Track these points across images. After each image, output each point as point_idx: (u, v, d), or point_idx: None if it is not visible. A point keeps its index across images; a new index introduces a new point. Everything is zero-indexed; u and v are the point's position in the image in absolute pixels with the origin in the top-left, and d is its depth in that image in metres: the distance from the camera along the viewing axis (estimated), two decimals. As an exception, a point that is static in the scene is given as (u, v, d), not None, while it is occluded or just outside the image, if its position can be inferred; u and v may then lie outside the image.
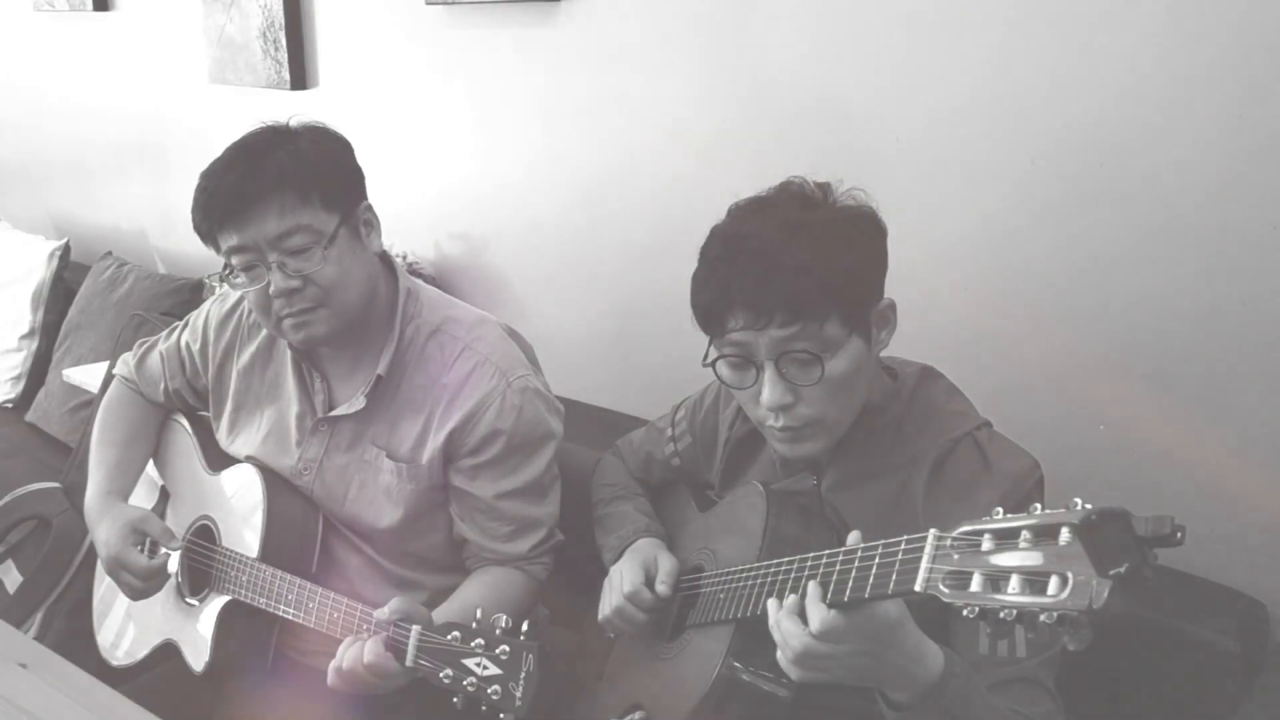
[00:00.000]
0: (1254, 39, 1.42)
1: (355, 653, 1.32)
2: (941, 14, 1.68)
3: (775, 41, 1.88)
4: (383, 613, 1.31)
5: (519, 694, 1.18)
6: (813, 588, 1.05)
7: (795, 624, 1.05)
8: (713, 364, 1.23)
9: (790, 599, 1.08)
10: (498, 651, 1.20)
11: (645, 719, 1.33)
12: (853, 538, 1.07)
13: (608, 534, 1.53)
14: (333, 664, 1.34)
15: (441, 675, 1.22)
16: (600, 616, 1.41)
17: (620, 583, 1.39)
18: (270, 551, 1.53)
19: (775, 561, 1.18)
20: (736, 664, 1.22)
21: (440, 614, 1.39)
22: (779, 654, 1.07)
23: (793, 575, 1.14)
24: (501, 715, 1.19)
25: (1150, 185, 1.54)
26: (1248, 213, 1.47)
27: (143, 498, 1.79)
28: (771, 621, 1.08)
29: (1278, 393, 1.49)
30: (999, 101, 1.65)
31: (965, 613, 0.86)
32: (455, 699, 1.22)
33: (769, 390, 1.18)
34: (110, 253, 3.18)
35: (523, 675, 1.18)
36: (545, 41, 2.21)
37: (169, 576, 1.62)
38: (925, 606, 0.98)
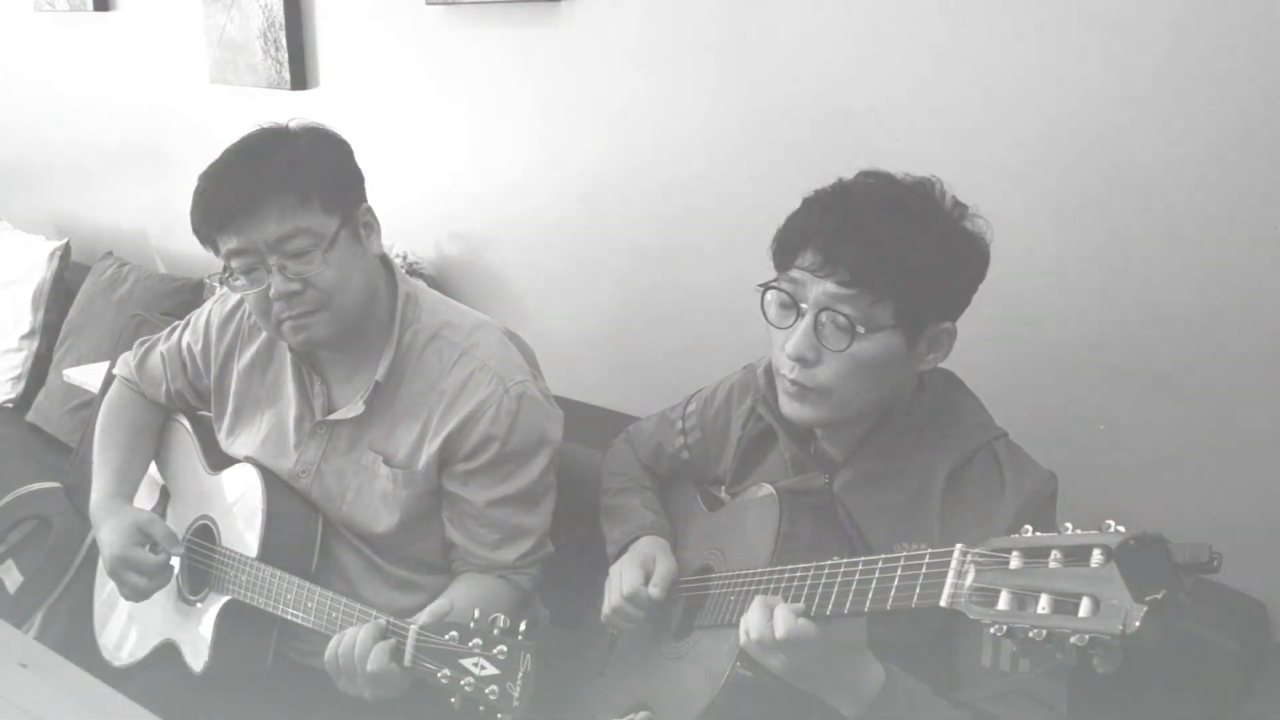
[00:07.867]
0: (1256, 40, 1.42)
1: (348, 642, 1.32)
2: (942, 13, 1.68)
3: (775, 41, 1.88)
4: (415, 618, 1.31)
5: (516, 694, 1.18)
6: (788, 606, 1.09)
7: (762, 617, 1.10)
8: (764, 292, 1.24)
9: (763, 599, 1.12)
10: (495, 652, 1.20)
11: (650, 720, 1.33)
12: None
13: (613, 526, 1.52)
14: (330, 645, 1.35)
15: (439, 675, 1.22)
16: (602, 615, 1.42)
17: (619, 583, 1.39)
18: (269, 551, 1.54)
19: (792, 568, 1.16)
20: (746, 668, 1.21)
21: (427, 614, 1.36)
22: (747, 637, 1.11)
23: (809, 582, 1.12)
24: (499, 716, 1.19)
25: (1150, 186, 1.54)
26: (1248, 213, 1.47)
27: (143, 497, 1.79)
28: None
29: (1277, 393, 1.49)
30: (999, 102, 1.65)
31: (993, 630, 0.85)
32: (452, 699, 1.22)
33: (796, 338, 1.20)
34: (111, 253, 3.18)
35: (520, 676, 1.19)
36: (546, 42, 2.21)
37: (171, 575, 1.62)
38: (929, 617, 0.98)
